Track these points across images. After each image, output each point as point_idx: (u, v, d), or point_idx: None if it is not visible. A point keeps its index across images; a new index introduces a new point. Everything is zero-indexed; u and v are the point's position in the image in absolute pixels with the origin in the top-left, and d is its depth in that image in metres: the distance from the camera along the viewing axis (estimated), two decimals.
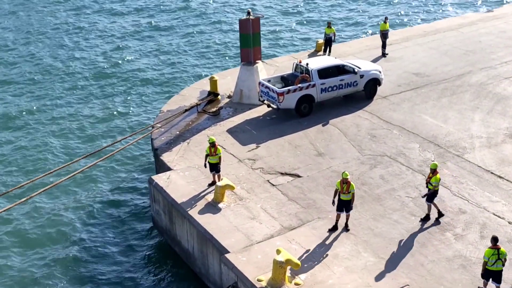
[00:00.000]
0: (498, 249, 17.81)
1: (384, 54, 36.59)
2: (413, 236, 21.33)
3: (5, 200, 27.75)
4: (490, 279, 18.27)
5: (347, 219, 21.58)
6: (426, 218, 22.03)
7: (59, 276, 24.25)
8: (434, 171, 21.39)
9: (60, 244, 25.98)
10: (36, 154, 32.41)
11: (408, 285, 19.14)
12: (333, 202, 21.37)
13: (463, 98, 31.29)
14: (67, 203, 28.54)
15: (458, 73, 34.16)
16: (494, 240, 17.84)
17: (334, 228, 21.59)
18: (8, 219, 27.21)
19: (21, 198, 25.03)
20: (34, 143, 33.52)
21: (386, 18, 36.94)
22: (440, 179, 21.52)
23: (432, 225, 21.82)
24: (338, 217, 21.52)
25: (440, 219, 21.99)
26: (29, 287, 23.77)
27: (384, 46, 36.66)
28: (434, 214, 22.10)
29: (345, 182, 20.86)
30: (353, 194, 21.00)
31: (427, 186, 21.68)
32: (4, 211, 23.07)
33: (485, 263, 18.00)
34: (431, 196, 21.64)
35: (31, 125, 35.50)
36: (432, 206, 21.90)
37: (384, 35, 36.39)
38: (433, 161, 25.60)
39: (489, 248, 17.93)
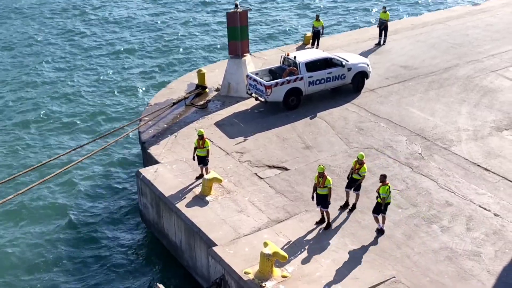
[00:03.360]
0: (387, 184, 20.38)
1: (379, 43, 37.06)
2: (399, 228, 21.43)
3: None
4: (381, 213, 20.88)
5: (326, 216, 21.42)
6: (345, 205, 22.54)
7: (44, 269, 24.18)
8: (362, 162, 21.69)
9: (45, 237, 25.84)
10: (22, 148, 32.25)
11: (394, 277, 19.23)
12: (312, 197, 21.31)
13: (450, 91, 31.43)
14: (54, 197, 28.43)
15: (446, 66, 34.31)
16: (384, 177, 20.39)
17: (321, 221, 21.62)
18: None
19: (7, 194, 24.86)
20: (21, 136, 33.35)
21: (384, 8, 37.31)
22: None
23: (419, 217, 21.94)
24: (322, 210, 21.55)
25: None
26: (13, 281, 23.69)
27: (380, 34, 37.14)
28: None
29: (321, 176, 20.76)
30: (329, 188, 20.80)
31: (350, 176, 22.00)
32: None
33: (384, 199, 20.44)
34: (358, 187, 22.05)
35: (17, 118, 35.33)
36: (356, 196, 22.39)
37: (381, 24, 36.92)
38: (420, 154, 25.73)
39: (382, 186, 20.37)
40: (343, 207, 22.45)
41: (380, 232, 21.12)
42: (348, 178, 22.40)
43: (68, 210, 27.59)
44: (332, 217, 21.84)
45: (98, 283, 23.61)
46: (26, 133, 33.68)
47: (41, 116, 35.58)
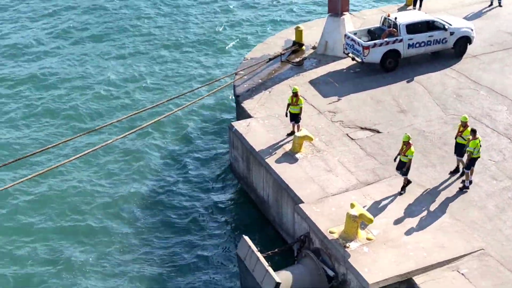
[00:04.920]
0: (478, 138, 20.50)
1: (492, 4, 35.74)
2: (493, 200, 20.83)
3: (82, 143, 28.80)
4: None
5: (404, 183, 21.25)
6: (456, 171, 22.18)
7: (140, 210, 25.17)
8: (465, 125, 21.30)
9: (131, 190, 26.50)
10: (116, 96, 33.39)
11: (483, 249, 18.79)
12: (395, 159, 21.34)
13: None
14: (149, 144, 29.26)
15: None
16: (474, 132, 20.50)
17: (408, 183, 21.35)
18: (77, 169, 27.86)
19: (118, 134, 25.53)
20: (123, 81, 34.57)
21: None
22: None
23: None
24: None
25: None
26: (104, 239, 24.81)
27: None
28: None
29: (405, 144, 20.74)
30: (410, 159, 20.73)
31: (455, 142, 21.77)
32: (85, 154, 23.60)
33: (470, 154, 20.59)
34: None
35: (115, 62, 36.49)
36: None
37: None
38: None
39: (472, 140, 20.46)
40: (453, 173, 22.17)
41: (464, 188, 21.27)
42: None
43: (160, 156, 28.45)
44: (422, 183, 21.50)
45: (183, 232, 24.33)
46: (125, 81, 34.75)
47: (140, 66, 36.57)
